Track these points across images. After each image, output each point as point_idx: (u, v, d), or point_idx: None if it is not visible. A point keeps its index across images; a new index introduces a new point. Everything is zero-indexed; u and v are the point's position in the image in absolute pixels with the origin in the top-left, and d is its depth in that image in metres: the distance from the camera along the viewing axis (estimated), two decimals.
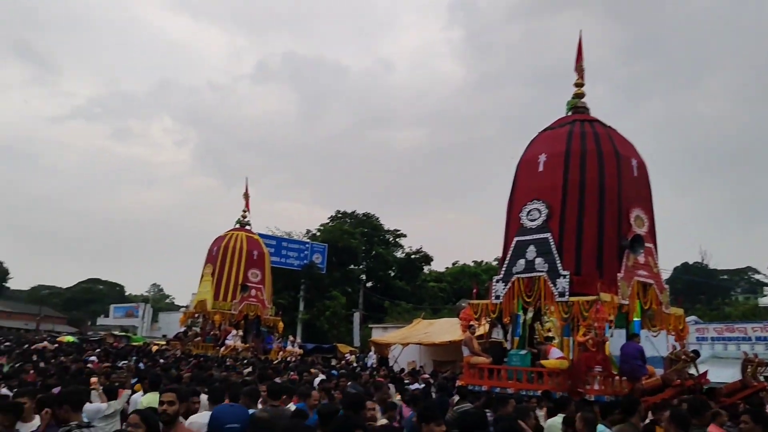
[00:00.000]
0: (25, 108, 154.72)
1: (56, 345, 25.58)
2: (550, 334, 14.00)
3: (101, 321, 76.22)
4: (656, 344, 14.91)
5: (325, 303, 40.15)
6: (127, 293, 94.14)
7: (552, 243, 12.70)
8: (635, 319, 13.08)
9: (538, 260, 12.79)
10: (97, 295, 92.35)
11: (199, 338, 27.30)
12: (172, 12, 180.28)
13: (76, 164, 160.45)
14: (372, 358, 27.24)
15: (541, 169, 13.49)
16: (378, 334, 31.14)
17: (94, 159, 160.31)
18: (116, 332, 49.50)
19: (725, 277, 56.50)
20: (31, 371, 11.54)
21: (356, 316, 36.09)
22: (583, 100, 14.62)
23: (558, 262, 12.49)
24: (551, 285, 12.39)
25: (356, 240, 43.95)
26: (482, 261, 58.03)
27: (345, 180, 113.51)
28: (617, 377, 11.62)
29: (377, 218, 48.11)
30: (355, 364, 25.68)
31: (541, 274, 12.62)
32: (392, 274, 47.00)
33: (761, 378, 11.99)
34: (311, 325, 39.96)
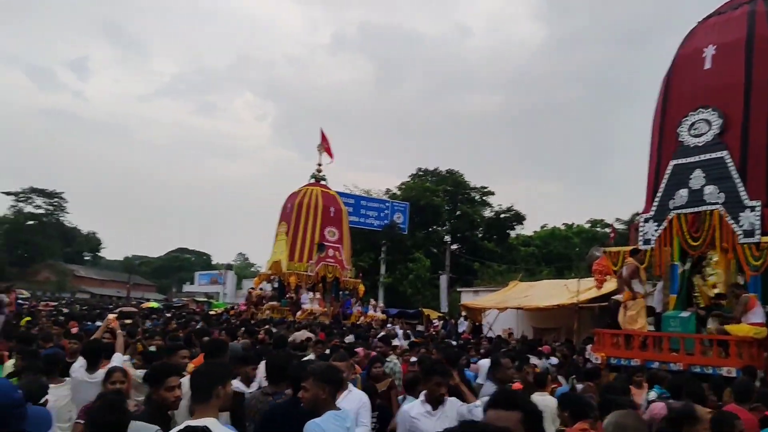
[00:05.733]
0: (116, 87, 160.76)
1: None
2: (717, 290, 10.43)
3: (187, 288, 77.54)
4: None
5: (408, 265, 37.29)
6: (214, 262, 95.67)
7: (730, 164, 9.09)
8: None
9: (710, 189, 9.25)
10: (185, 264, 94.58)
11: (275, 302, 25.07)
12: None
13: (165, 139, 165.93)
14: (464, 325, 24.34)
15: (708, 65, 9.82)
16: (469, 298, 28.16)
17: (181, 134, 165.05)
18: (199, 298, 49.66)
19: None
20: None
21: (443, 279, 33.04)
22: None
23: (741, 189, 8.89)
24: (731, 221, 8.84)
25: (439, 198, 40.57)
26: (573, 223, 53.68)
27: (423, 147, 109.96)
28: None
29: (461, 174, 44.39)
30: (444, 331, 22.92)
31: (714, 207, 9.08)
32: (479, 234, 43.42)
33: None
34: (393, 289, 37.32)
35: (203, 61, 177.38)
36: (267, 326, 15.46)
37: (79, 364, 5.79)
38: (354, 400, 4.97)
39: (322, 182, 27.79)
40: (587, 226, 53.35)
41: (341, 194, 31.45)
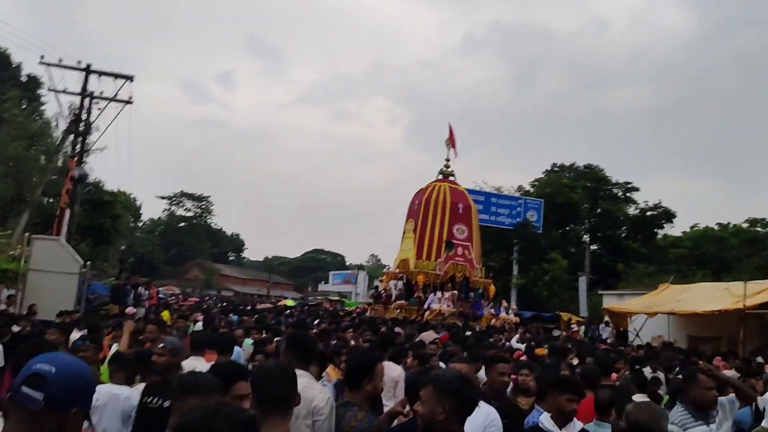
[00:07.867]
0: (258, 97, 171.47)
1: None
2: None
3: (322, 287, 79.92)
4: None
5: (543, 266, 35.20)
6: (347, 263, 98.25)
7: None
8: None
9: None
10: (321, 264, 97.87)
11: (402, 300, 24.39)
12: None
13: (302, 145, 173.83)
14: (606, 331, 22.35)
15: None
16: (612, 302, 25.99)
17: (318, 140, 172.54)
18: (333, 297, 50.77)
19: None
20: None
21: (582, 281, 30.82)
22: None
23: None
24: None
25: (578, 194, 37.95)
26: (729, 223, 48.27)
27: (559, 146, 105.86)
28: None
29: (602, 170, 41.26)
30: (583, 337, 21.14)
31: None
32: (623, 233, 40.16)
33: None
34: (527, 290, 35.39)
35: (338, 69, 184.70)
36: (394, 326, 14.82)
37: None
38: (478, 417, 3.67)
39: (450, 178, 26.82)
40: (745, 225, 47.81)
41: (470, 191, 30.23)
